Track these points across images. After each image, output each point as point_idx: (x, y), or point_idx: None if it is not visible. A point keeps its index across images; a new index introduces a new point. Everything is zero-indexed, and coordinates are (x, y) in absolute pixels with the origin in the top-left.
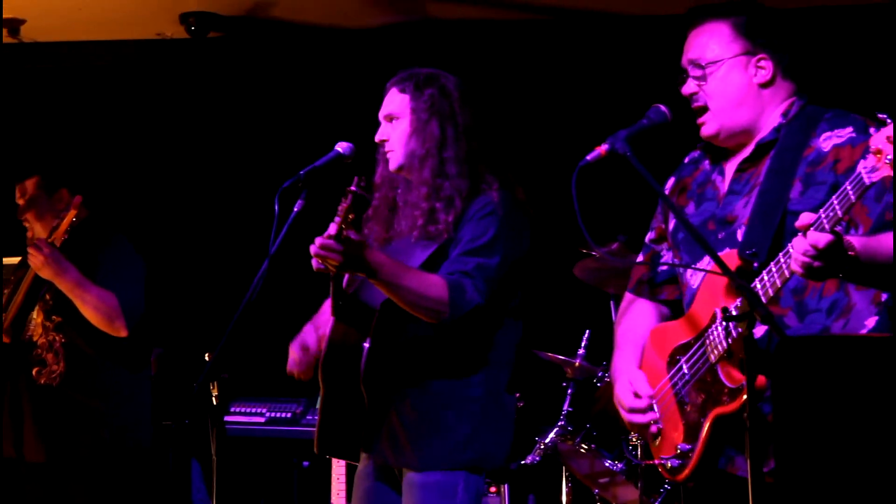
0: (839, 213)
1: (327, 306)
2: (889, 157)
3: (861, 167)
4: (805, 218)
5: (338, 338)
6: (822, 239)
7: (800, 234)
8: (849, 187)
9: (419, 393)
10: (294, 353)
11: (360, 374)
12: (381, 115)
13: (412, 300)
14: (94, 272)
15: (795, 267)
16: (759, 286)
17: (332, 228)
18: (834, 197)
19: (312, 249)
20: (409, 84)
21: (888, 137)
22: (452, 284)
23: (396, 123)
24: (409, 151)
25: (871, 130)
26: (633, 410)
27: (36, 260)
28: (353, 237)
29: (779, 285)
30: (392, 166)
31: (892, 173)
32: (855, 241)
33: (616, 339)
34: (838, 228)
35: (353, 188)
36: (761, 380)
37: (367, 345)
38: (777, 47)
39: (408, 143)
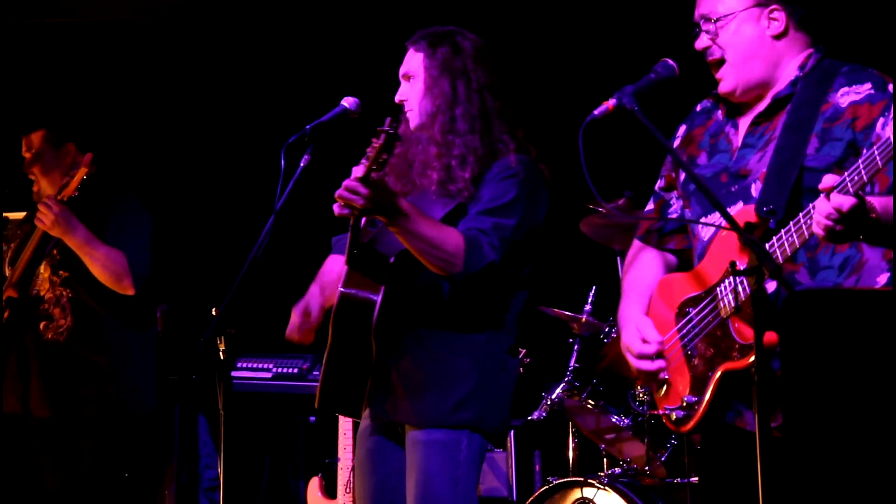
0: (864, 177)
1: (331, 263)
2: None
3: (891, 134)
4: (828, 180)
5: (350, 288)
6: (847, 202)
7: (822, 195)
8: (877, 153)
9: (423, 349)
10: (295, 317)
11: (372, 326)
12: (400, 74)
13: (428, 250)
14: (103, 230)
15: (817, 229)
16: (776, 245)
17: (360, 170)
18: (860, 161)
19: (338, 193)
20: (424, 42)
21: None
22: (469, 239)
23: (413, 83)
24: (422, 110)
25: (889, 87)
26: (642, 356)
27: (46, 218)
28: (382, 180)
29: (797, 245)
30: (412, 125)
31: None
32: (876, 201)
33: (623, 287)
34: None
35: (385, 128)
36: (773, 337)
37: (380, 296)
38: None
39: (422, 102)
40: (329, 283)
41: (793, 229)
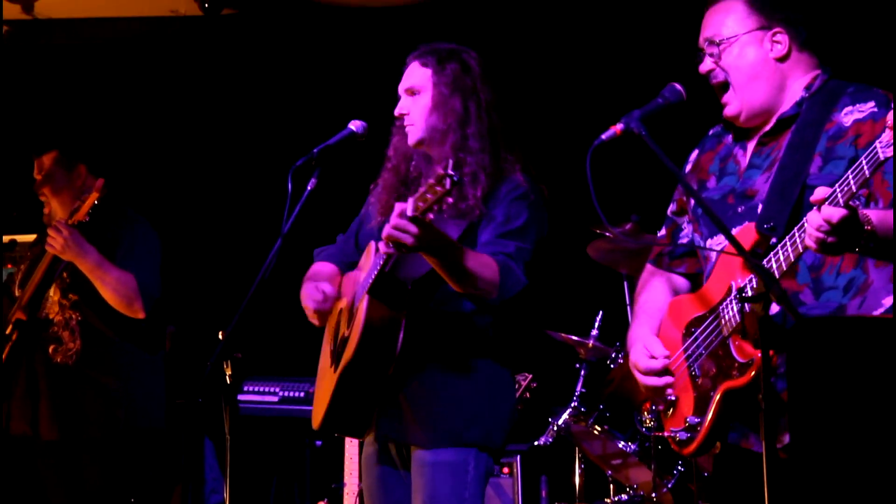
0: (854, 187)
1: (318, 266)
2: None
3: (877, 141)
4: (820, 192)
5: (374, 316)
6: (836, 214)
7: (814, 208)
8: (864, 161)
9: (432, 370)
10: (316, 293)
11: (396, 354)
12: (401, 88)
13: (469, 280)
14: (113, 251)
15: (809, 242)
16: (773, 260)
17: (409, 209)
18: (849, 171)
19: (386, 232)
20: (432, 58)
21: None
22: (503, 266)
23: (418, 97)
24: (429, 126)
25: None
26: (648, 372)
27: (57, 243)
28: (431, 221)
29: (792, 259)
30: (411, 140)
31: None
32: (872, 214)
33: (634, 311)
34: (856, 203)
35: (451, 172)
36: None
37: (402, 325)
38: (792, 21)
39: (429, 118)
40: (324, 279)
41: (788, 243)
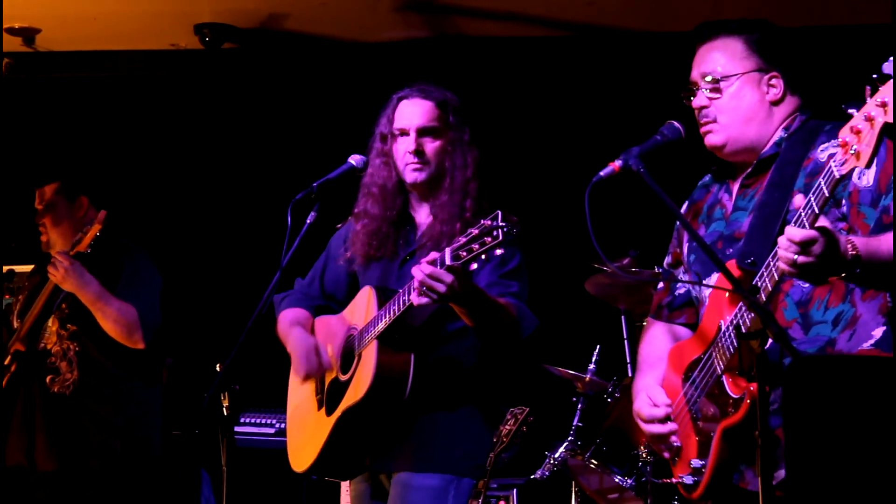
0: (816, 208)
1: (292, 314)
2: (855, 147)
3: (831, 161)
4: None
5: (385, 361)
6: (799, 234)
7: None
8: (822, 181)
9: (439, 410)
10: (313, 357)
11: (405, 395)
12: (411, 126)
13: (492, 326)
14: (114, 284)
15: (782, 265)
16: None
17: (448, 258)
18: (811, 193)
19: (420, 279)
20: (443, 101)
21: (852, 128)
22: (517, 308)
23: (433, 139)
24: (446, 169)
25: None
26: (651, 420)
27: (58, 273)
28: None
29: (770, 288)
30: (419, 178)
31: (858, 164)
32: (857, 240)
33: (637, 363)
34: (839, 229)
35: (500, 223)
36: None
37: (411, 370)
38: (788, 66)
39: (446, 161)
40: (304, 324)
41: (765, 273)
